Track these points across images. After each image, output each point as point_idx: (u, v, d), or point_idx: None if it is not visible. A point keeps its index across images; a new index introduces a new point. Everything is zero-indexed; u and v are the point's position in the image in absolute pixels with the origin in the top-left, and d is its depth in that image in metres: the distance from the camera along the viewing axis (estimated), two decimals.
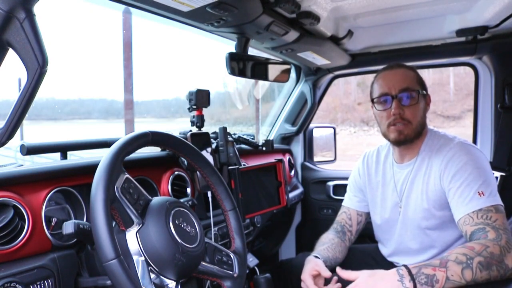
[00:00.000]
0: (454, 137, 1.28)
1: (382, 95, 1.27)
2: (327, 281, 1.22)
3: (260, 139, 2.17)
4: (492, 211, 1.08)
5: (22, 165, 1.02)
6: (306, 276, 1.20)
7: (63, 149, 1.17)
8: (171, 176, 1.30)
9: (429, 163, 1.25)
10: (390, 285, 0.94)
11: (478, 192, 1.10)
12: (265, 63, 1.54)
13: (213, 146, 1.47)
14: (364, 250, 1.52)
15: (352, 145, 12.80)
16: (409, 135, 1.25)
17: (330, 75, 2.21)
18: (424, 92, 1.28)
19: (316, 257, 1.26)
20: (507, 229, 1.05)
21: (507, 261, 0.98)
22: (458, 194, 1.14)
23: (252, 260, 1.58)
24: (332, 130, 2.54)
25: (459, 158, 1.17)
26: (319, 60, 1.89)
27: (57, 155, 1.17)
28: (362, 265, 1.32)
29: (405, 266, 0.97)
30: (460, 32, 1.60)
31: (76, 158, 1.22)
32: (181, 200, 1.00)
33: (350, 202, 1.51)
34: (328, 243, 1.36)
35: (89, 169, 1.00)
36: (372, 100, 1.32)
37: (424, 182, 1.25)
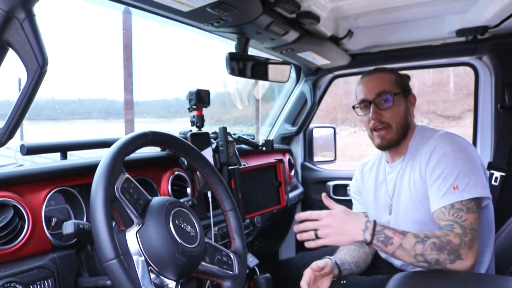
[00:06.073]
0: (441, 130, 1.28)
1: (361, 102, 1.31)
2: (337, 283, 1.23)
3: (260, 139, 2.17)
4: (463, 210, 1.08)
5: (22, 165, 1.02)
6: (306, 275, 1.21)
7: (63, 149, 1.17)
8: (171, 176, 1.30)
9: (415, 157, 1.26)
10: (354, 229, 1.07)
11: (453, 186, 1.11)
12: (265, 63, 1.54)
13: (213, 146, 1.47)
14: None
15: (352, 145, 12.80)
16: (391, 139, 1.27)
17: (330, 75, 2.21)
18: (406, 93, 1.29)
19: (329, 258, 1.27)
20: (475, 230, 1.06)
21: (462, 253, 1.01)
22: (435, 187, 1.15)
23: (252, 260, 1.58)
24: (332, 130, 2.54)
25: (440, 149, 1.18)
26: (319, 60, 1.89)
27: (57, 155, 1.17)
28: None
29: (375, 222, 1.08)
30: (460, 32, 1.60)
31: (76, 158, 1.22)
32: (181, 200, 1.00)
33: (355, 208, 1.53)
34: (345, 249, 1.37)
35: (89, 169, 1.00)
36: (354, 107, 1.34)
37: (411, 176, 1.25)
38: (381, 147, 1.31)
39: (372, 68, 1.35)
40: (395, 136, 1.27)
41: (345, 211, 1.11)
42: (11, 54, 0.77)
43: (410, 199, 1.25)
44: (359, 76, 1.38)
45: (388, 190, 1.35)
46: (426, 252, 1.01)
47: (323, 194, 1.21)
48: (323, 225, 1.09)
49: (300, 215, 1.15)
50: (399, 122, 1.26)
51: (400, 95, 1.28)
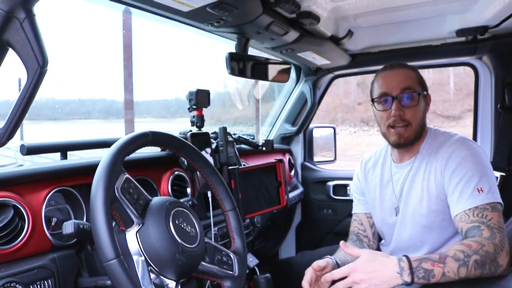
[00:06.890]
0: (456, 134, 1.27)
1: (382, 95, 1.26)
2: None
3: (260, 139, 2.17)
4: (488, 209, 1.08)
5: (22, 165, 1.02)
6: (307, 274, 1.20)
7: (63, 149, 1.17)
8: (171, 176, 1.30)
9: (429, 160, 1.25)
10: (389, 276, 0.95)
11: (477, 189, 1.10)
12: (265, 63, 1.54)
13: (213, 146, 1.47)
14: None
15: (352, 145, 12.80)
16: (409, 137, 1.25)
17: (330, 75, 2.21)
18: (425, 92, 1.28)
19: (330, 258, 1.26)
20: (502, 228, 1.06)
21: (499, 259, 1.00)
22: (458, 190, 1.14)
23: (252, 260, 1.58)
24: (332, 130, 2.54)
25: (459, 153, 1.17)
26: (319, 60, 1.89)
27: (57, 155, 1.17)
28: None
29: (407, 258, 0.98)
30: (460, 32, 1.60)
31: (76, 158, 1.22)
32: (181, 200, 1.00)
33: (356, 208, 1.51)
34: None
35: (89, 169, 1.00)
36: (372, 100, 1.31)
37: (425, 180, 1.24)
38: (397, 145, 1.28)
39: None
40: (413, 135, 1.25)
41: (370, 257, 1.00)
42: (11, 54, 0.77)
43: (421, 203, 1.24)
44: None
45: (395, 191, 1.34)
46: (470, 273, 0.97)
47: (342, 242, 1.10)
48: (353, 282, 0.98)
49: (325, 278, 1.05)
50: (418, 122, 1.24)
51: (422, 95, 1.26)
